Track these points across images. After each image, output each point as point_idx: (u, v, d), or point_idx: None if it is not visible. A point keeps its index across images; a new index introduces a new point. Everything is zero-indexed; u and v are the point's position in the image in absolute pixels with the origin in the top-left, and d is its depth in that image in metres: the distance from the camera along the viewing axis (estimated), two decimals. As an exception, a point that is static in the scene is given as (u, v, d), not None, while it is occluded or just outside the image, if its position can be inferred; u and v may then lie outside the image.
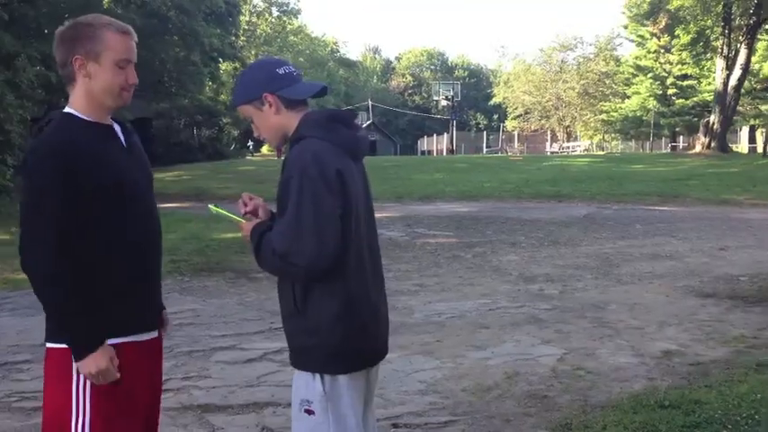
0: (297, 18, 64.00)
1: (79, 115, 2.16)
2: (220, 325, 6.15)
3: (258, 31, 56.75)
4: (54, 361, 2.13)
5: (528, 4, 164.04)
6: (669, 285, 7.67)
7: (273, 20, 60.28)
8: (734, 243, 10.48)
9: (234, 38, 31.75)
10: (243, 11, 44.48)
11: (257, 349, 5.37)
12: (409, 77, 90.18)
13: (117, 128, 2.25)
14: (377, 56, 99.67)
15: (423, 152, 67.06)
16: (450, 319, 6.27)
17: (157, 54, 22.72)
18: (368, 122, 72.14)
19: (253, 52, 52.06)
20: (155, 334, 2.30)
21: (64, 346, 2.10)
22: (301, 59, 63.73)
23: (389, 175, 23.16)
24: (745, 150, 45.75)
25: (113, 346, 2.12)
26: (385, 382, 4.62)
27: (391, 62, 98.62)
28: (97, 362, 2.07)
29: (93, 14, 2.25)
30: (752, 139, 50.85)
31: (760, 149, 36.66)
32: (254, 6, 57.99)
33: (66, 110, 2.18)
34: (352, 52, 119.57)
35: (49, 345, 2.15)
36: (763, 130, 38.80)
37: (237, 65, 34.65)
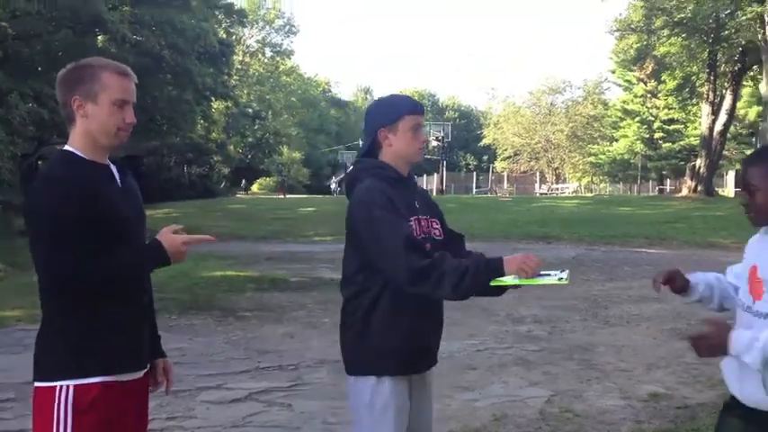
0: (290, 58, 64.70)
1: (77, 153, 2.20)
2: (206, 364, 6.10)
3: (251, 70, 57.31)
4: (39, 400, 2.13)
5: (517, 48, 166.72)
6: (657, 328, 7.68)
7: (266, 60, 60.94)
8: (721, 286, 10.52)
9: (227, 77, 32.03)
10: (236, 51, 44.97)
11: (243, 389, 5.34)
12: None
13: (113, 167, 2.29)
14: (368, 96, 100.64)
15: (413, 192, 66.96)
16: (438, 360, 6.24)
17: (150, 92, 22.87)
18: (358, 162, 72.43)
19: (245, 91, 52.54)
20: (141, 374, 2.30)
21: (50, 384, 2.10)
22: (293, 99, 64.35)
23: (379, 215, 23.16)
24: (731, 194, 46.14)
25: (100, 384, 2.11)
26: (372, 423, 4.60)
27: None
28: (170, 246, 2.14)
29: (94, 57, 2.31)
30: (738, 184, 51.26)
31: (746, 193, 37.00)
32: (248, 47, 58.68)
33: (66, 147, 2.23)
34: (344, 92, 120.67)
35: (36, 384, 2.15)
36: (749, 174, 39.30)
37: (230, 104, 34.88)
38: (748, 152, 42.59)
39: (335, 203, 34.75)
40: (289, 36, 62.10)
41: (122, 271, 2.14)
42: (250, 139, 57.48)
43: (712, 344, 2.09)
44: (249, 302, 8.93)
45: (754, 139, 37.31)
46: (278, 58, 61.76)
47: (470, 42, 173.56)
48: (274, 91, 59.13)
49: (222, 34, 33.68)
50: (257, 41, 60.43)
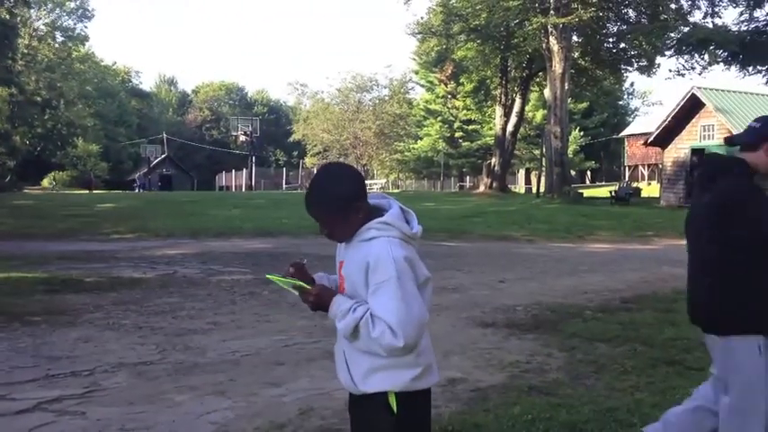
0: (84, 44, 60.55)
1: None
2: (-13, 375, 5.55)
3: (39, 56, 52.81)
4: None
5: (325, 43, 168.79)
6: (455, 316, 8.12)
7: (57, 45, 56.49)
8: (512, 276, 11.37)
9: (10, 62, 29.29)
10: (22, 34, 41.27)
11: (30, 399, 4.92)
12: (207, 111, 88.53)
13: None
14: (173, 88, 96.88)
15: (221, 187, 65.84)
16: (246, 357, 6.17)
17: None
18: (163, 156, 69.58)
19: (33, 78, 48.40)
20: None
21: None
22: (89, 88, 60.30)
23: (185, 211, 22.52)
24: (522, 190, 50.17)
25: None
26: (174, 425, 4.45)
27: (188, 95, 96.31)
28: None
29: None
30: (527, 180, 55.94)
31: (534, 190, 40.39)
32: (36, 30, 54.06)
33: None
34: (146, 83, 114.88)
35: None
36: (537, 172, 42.90)
37: (14, 90, 32.00)
38: (536, 152, 46.34)
39: (137, 199, 33.07)
40: (82, 20, 58.07)
41: None
42: (39, 130, 53.08)
43: (318, 303, 2.33)
44: (38, 306, 8.23)
45: (540, 140, 40.71)
46: (70, 44, 57.46)
47: (280, 38, 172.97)
48: (66, 79, 54.90)
49: (5, 15, 30.74)
50: (46, 24, 55.85)
